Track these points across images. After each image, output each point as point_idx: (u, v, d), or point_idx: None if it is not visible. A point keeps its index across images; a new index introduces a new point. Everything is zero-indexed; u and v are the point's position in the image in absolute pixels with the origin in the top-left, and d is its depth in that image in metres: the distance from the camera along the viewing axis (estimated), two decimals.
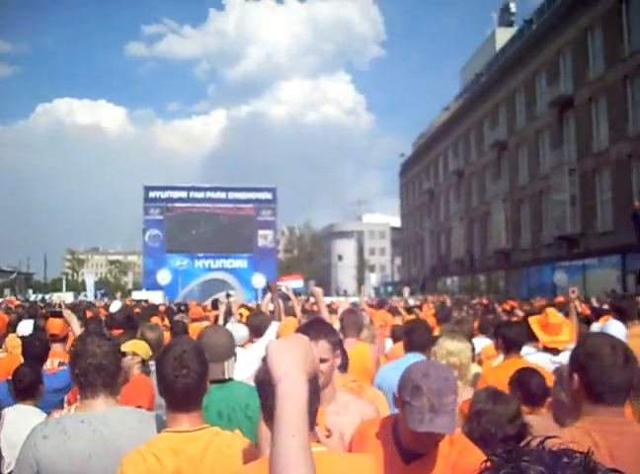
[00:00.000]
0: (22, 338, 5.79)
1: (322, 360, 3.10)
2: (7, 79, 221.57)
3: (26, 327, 7.07)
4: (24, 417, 4.13)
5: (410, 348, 5.81)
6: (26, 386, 4.66)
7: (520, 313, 12.58)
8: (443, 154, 65.05)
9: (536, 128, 43.79)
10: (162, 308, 17.61)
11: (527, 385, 4.31)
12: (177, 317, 9.93)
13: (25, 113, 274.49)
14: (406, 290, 16.21)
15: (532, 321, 6.27)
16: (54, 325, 6.58)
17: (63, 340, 6.70)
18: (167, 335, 8.01)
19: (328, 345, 3.23)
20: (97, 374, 3.11)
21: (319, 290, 6.55)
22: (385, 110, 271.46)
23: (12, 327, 9.15)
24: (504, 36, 54.97)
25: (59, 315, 6.52)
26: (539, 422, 4.02)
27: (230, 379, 3.94)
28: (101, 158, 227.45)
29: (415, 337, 5.80)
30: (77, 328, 5.94)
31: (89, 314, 10.95)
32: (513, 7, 60.06)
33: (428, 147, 70.85)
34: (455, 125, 60.94)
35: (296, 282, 32.06)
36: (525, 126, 45.61)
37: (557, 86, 40.26)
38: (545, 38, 41.79)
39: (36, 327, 6.71)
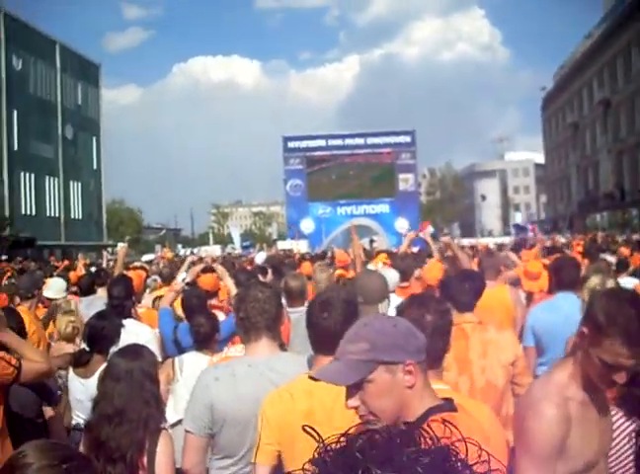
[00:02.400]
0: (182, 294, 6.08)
1: None
2: (144, 43, 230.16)
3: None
4: (202, 365, 4.35)
5: (560, 286, 5.61)
6: (202, 337, 4.94)
7: None
8: (588, 85, 62.18)
9: None
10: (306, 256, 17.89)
11: None
12: (317, 264, 10.01)
13: (162, 74, 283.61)
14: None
15: None
16: (206, 281, 6.84)
17: (214, 294, 6.96)
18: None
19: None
20: (260, 317, 3.29)
21: (449, 239, 6.63)
22: (523, 42, 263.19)
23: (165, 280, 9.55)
24: None
25: (211, 270, 6.77)
26: None
27: None
28: (238, 112, 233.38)
29: (564, 275, 5.61)
30: (230, 282, 6.18)
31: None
32: None
33: (570, 79, 67.83)
34: (599, 53, 57.89)
35: (427, 230, 31.82)
36: None
37: None
38: None
39: (189, 283, 7.00)
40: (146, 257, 29.85)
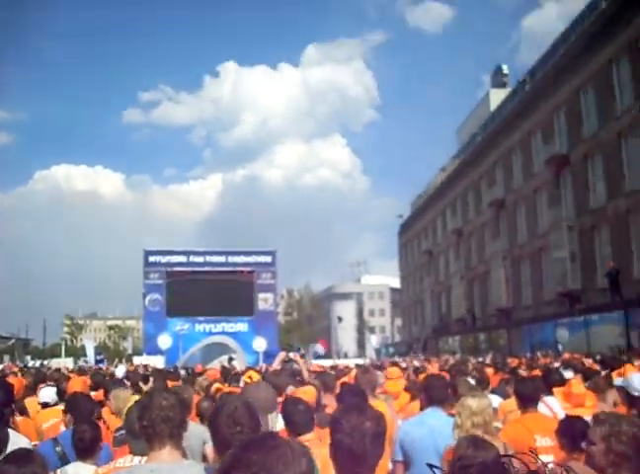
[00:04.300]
0: (68, 399, 5.82)
1: None
2: (5, 147, 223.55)
3: (48, 393, 7.06)
4: None
5: (430, 402, 5.83)
6: (87, 445, 4.69)
7: (524, 373, 12.45)
8: (442, 214, 65.41)
9: (534, 187, 44.15)
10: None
11: (571, 432, 4.39)
12: (200, 379, 9.96)
13: (23, 179, 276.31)
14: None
15: (556, 392, 6.36)
16: (76, 384, 6.63)
17: None
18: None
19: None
20: (164, 425, 3.24)
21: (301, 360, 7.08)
22: (382, 172, 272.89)
23: (30, 390, 9.16)
24: (498, 96, 55.91)
25: None
26: (581, 467, 4.09)
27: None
28: (99, 224, 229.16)
29: (434, 392, 5.84)
30: None
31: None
32: (505, 69, 61.37)
33: (426, 207, 71.28)
34: (453, 185, 61.43)
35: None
36: (523, 185, 45.97)
37: (553, 144, 40.76)
38: (539, 98, 42.51)
39: (60, 392, 6.74)
40: None
